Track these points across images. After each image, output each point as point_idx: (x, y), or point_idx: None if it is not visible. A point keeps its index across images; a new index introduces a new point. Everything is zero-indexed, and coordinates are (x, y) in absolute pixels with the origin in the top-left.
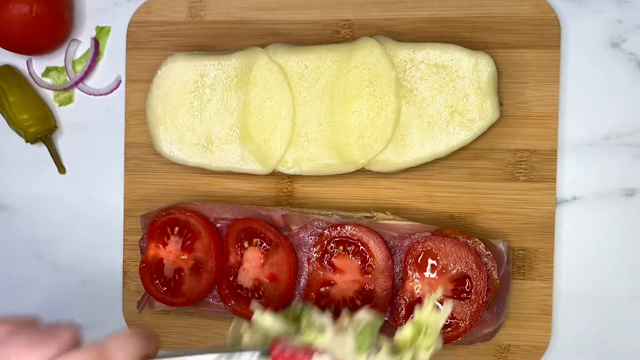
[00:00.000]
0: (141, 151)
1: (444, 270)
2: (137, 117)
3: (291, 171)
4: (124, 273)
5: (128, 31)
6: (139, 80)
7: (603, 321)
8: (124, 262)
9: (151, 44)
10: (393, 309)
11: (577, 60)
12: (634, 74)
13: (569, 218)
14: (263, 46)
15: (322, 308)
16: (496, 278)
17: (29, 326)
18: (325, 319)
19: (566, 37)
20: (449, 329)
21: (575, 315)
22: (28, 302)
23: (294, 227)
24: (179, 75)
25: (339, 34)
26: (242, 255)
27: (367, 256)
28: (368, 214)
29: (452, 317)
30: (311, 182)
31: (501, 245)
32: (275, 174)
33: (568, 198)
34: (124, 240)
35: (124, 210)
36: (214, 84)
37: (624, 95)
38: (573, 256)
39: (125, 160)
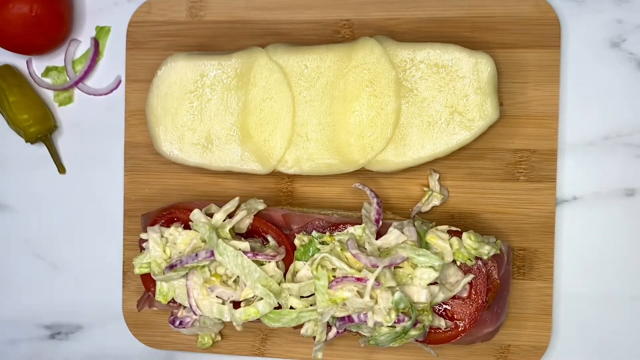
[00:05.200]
0: (141, 151)
1: None
2: (137, 117)
3: (291, 171)
4: (124, 273)
5: (128, 31)
6: (139, 80)
7: (603, 321)
8: (123, 262)
9: (151, 43)
10: None
11: (577, 60)
12: (634, 74)
13: (569, 218)
14: (263, 46)
15: None
16: (496, 278)
17: None
18: None
19: (566, 37)
20: (449, 329)
21: (575, 315)
22: (28, 302)
23: (295, 227)
24: (179, 75)
25: (339, 34)
26: None
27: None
28: None
29: (451, 317)
30: (311, 181)
31: (501, 245)
32: (275, 174)
33: (568, 198)
34: (124, 240)
35: (124, 210)
36: (214, 83)
37: (624, 95)
38: (573, 256)
39: (125, 160)
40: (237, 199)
